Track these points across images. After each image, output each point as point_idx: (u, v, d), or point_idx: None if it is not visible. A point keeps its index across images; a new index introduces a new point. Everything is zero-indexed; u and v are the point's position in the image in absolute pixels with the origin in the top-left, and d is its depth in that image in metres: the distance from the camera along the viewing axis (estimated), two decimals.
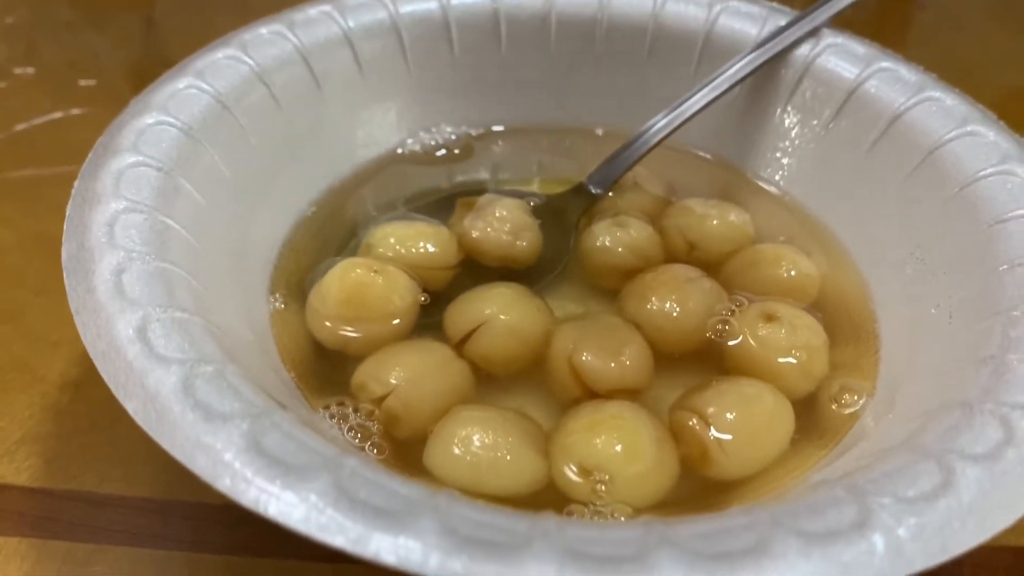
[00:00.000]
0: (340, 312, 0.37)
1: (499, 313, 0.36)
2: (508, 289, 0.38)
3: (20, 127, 0.55)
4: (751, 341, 0.37)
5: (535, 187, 0.47)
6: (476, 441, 0.32)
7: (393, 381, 0.34)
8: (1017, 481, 0.26)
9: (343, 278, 0.37)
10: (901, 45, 0.44)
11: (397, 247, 0.40)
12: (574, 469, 0.32)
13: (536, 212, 0.43)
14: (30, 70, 0.60)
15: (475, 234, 0.41)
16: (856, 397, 0.36)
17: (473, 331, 0.36)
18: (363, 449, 0.33)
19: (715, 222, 0.44)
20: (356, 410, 0.34)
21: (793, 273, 0.41)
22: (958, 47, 0.68)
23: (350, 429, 0.34)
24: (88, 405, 0.40)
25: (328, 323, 0.37)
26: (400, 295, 0.38)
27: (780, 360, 0.36)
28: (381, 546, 0.23)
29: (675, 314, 0.38)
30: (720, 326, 0.38)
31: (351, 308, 0.37)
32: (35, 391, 0.41)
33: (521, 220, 0.42)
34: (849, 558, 0.23)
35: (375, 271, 0.37)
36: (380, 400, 0.34)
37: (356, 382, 0.35)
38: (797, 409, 0.35)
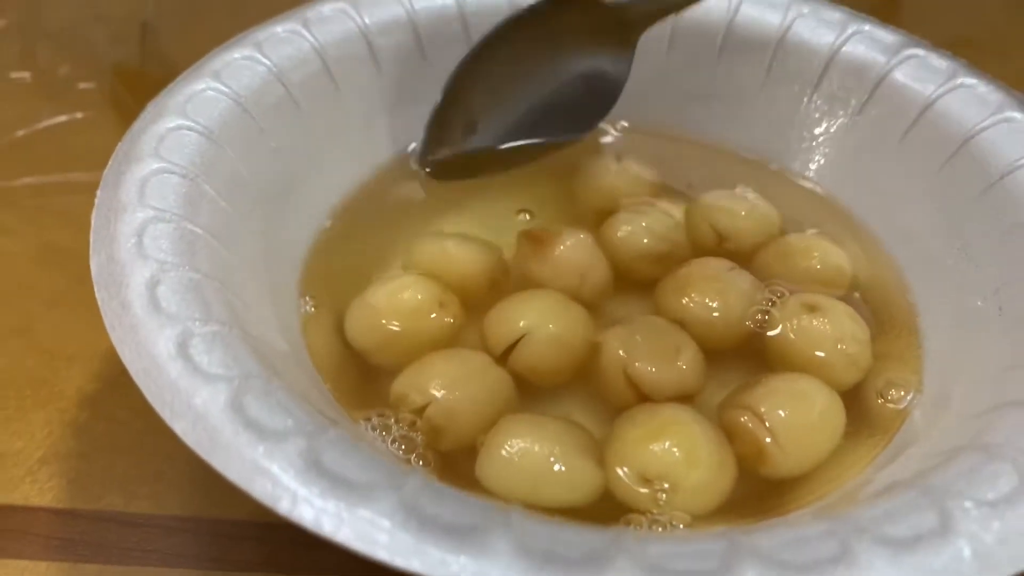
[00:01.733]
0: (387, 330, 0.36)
1: (541, 324, 0.35)
2: (547, 297, 0.37)
3: (20, 133, 0.53)
4: (794, 333, 0.36)
5: None
6: (532, 451, 0.30)
7: (433, 391, 0.33)
8: None
9: (398, 299, 0.37)
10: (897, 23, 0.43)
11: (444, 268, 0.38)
12: (635, 478, 0.31)
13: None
14: (26, 75, 0.58)
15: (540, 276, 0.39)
16: (903, 392, 0.35)
17: (515, 343, 0.35)
18: (409, 462, 0.32)
19: (744, 212, 0.43)
20: (397, 421, 0.33)
21: (825, 264, 0.40)
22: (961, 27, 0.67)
23: (393, 441, 0.32)
24: (109, 422, 0.39)
25: (371, 331, 0.36)
26: (454, 321, 0.37)
27: (826, 350, 0.35)
28: (459, 570, 0.22)
29: (719, 306, 0.37)
30: (760, 316, 0.37)
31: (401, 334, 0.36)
32: (53, 408, 0.39)
33: (590, 261, 0.39)
34: (939, 565, 0.22)
35: (441, 304, 0.37)
36: (421, 410, 0.33)
37: (396, 393, 0.34)
38: (845, 403, 0.34)
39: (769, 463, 0.32)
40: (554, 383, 0.36)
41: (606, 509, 0.31)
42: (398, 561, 0.22)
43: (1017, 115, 0.38)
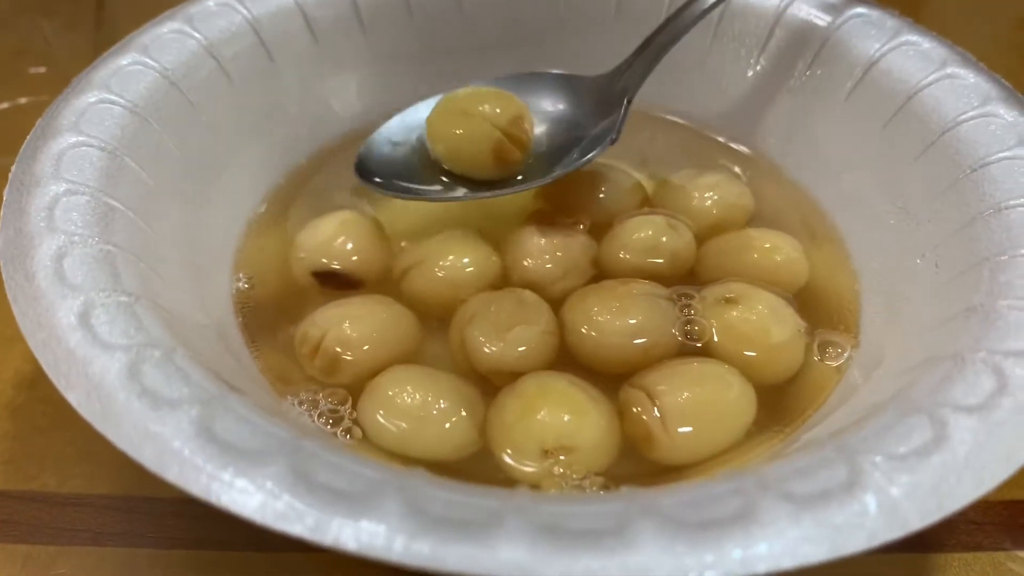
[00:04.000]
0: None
1: (435, 258, 0.37)
2: (456, 234, 0.38)
3: None
4: (720, 336, 0.35)
5: None
6: (405, 401, 0.31)
7: (329, 324, 0.34)
8: (1013, 431, 0.24)
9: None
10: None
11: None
12: (534, 453, 0.30)
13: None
14: None
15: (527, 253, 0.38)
16: (840, 351, 0.35)
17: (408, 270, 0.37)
18: (335, 435, 0.31)
19: (717, 197, 0.41)
20: (325, 396, 0.33)
21: (781, 268, 0.38)
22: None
23: (320, 415, 0.32)
24: (44, 403, 0.38)
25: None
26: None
27: (756, 348, 0.34)
28: (341, 532, 0.21)
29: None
30: (688, 327, 0.35)
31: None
32: None
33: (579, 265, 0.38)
34: (841, 520, 0.22)
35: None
36: (318, 346, 0.34)
37: (296, 337, 0.35)
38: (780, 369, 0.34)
39: (656, 448, 0.31)
40: (444, 315, 0.36)
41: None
42: (280, 525, 0.21)
43: (959, 71, 0.37)
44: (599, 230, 0.40)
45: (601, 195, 0.41)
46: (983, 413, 0.25)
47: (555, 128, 0.42)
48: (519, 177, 0.40)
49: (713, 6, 0.40)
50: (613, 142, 0.39)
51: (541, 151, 0.40)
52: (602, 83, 0.41)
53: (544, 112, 0.42)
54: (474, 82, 0.42)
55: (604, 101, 0.41)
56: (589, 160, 0.38)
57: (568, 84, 0.42)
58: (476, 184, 0.39)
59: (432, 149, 0.40)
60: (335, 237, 0.38)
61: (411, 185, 0.39)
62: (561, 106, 0.42)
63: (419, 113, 0.41)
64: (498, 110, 0.38)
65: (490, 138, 0.38)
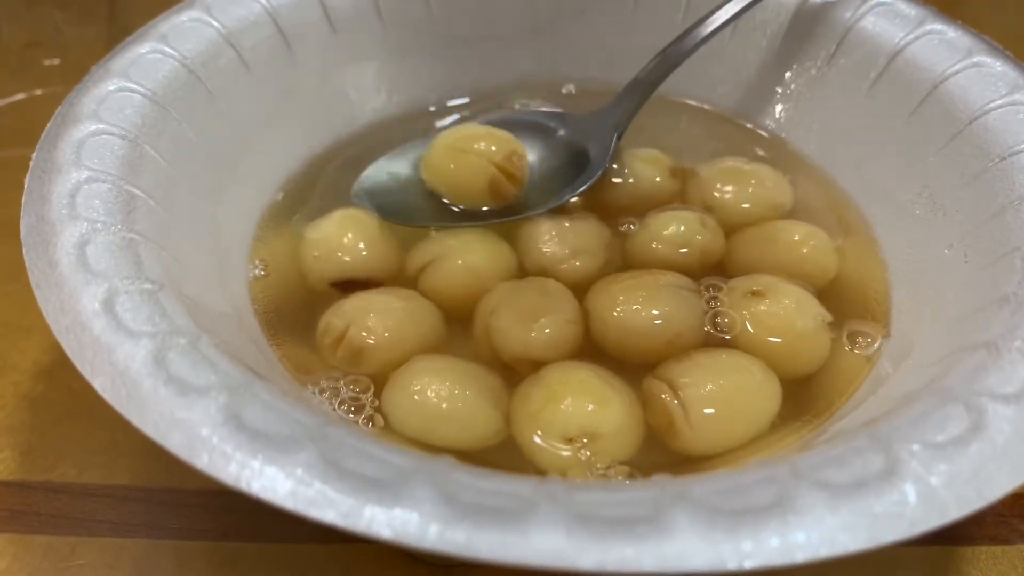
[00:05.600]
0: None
1: (453, 250, 0.37)
2: (471, 232, 0.38)
3: None
4: (746, 330, 0.35)
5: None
6: (430, 391, 0.31)
7: (352, 315, 0.34)
8: None
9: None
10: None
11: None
12: (557, 441, 0.30)
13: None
14: None
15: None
16: (870, 341, 0.35)
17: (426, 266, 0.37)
18: (356, 423, 0.31)
19: (749, 191, 0.41)
20: (346, 384, 0.33)
21: (812, 261, 0.38)
22: None
23: (341, 403, 0.32)
24: (63, 393, 0.38)
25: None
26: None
27: (782, 336, 0.34)
28: (375, 518, 0.21)
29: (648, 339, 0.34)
30: (716, 319, 0.35)
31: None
32: (7, 380, 0.39)
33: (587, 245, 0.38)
34: (880, 509, 0.22)
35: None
36: (343, 336, 0.33)
37: (321, 327, 0.34)
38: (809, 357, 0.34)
39: (678, 438, 0.31)
40: (462, 309, 0.36)
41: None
42: (312, 512, 0.21)
43: (986, 59, 0.37)
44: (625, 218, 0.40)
45: (631, 183, 0.41)
46: (1020, 402, 0.24)
47: (547, 162, 0.42)
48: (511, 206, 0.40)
49: (700, 43, 0.41)
50: (604, 173, 0.40)
51: (535, 182, 0.41)
52: (592, 119, 0.43)
53: (537, 146, 0.42)
54: (468, 122, 0.43)
55: (594, 135, 0.42)
56: (581, 192, 0.40)
57: (559, 120, 0.44)
58: (473, 216, 0.40)
59: (429, 183, 0.40)
60: (341, 239, 0.37)
61: (409, 214, 0.40)
62: (552, 141, 0.43)
63: (414, 150, 0.42)
64: (493, 147, 0.39)
65: (485, 173, 0.38)
